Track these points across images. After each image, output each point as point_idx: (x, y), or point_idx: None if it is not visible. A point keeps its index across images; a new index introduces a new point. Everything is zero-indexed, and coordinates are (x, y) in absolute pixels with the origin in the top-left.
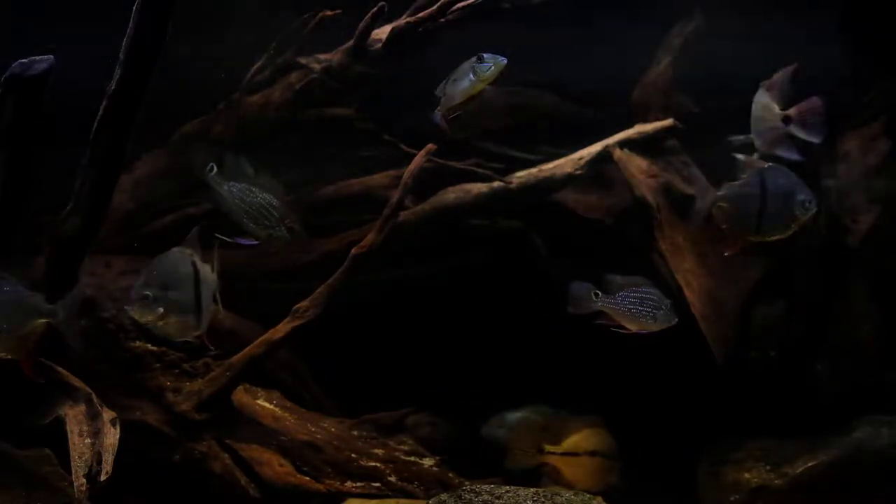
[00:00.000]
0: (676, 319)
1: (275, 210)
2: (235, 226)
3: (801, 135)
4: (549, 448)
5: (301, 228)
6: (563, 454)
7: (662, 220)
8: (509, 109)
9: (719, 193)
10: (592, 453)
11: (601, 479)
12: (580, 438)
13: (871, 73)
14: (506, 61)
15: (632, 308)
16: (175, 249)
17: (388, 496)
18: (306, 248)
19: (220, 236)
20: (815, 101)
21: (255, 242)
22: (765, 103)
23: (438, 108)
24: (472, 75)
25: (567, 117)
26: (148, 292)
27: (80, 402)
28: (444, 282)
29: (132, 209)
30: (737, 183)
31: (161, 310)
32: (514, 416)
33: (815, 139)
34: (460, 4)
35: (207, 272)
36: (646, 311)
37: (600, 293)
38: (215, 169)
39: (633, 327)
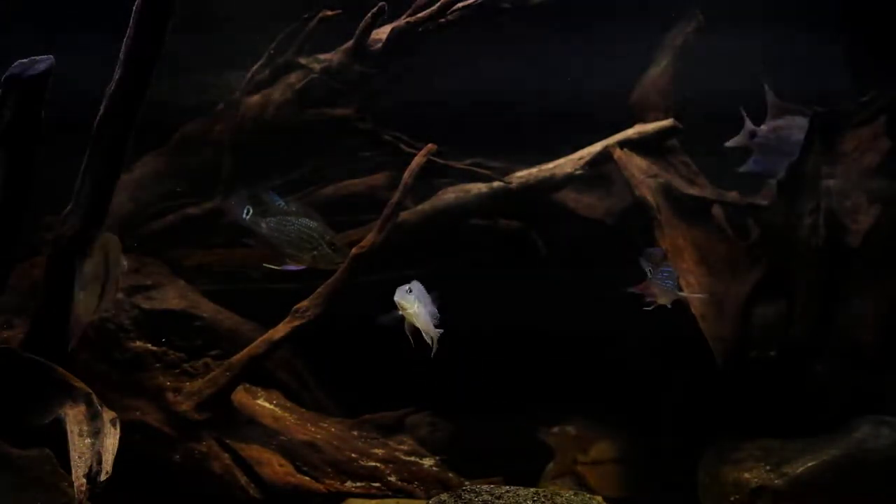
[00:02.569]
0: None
1: (313, 231)
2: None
3: (759, 156)
4: (581, 458)
5: (342, 243)
6: (591, 463)
7: (662, 220)
8: None
9: None
10: (615, 461)
11: (623, 485)
12: (604, 447)
13: (871, 73)
14: None
15: (667, 283)
16: None
17: (388, 496)
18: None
19: (267, 265)
20: (786, 121)
21: (303, 267)
22: (744, 119)
23: None
24: None
25: None
26: None
27: (80, 402)
28: (443, 281)
29: (132, 209)
30: None
31: None
32: None
33: (767, 166)
34: (460, 4)
35: None
36: (671, 285)
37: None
38: (251, 211)
39: (663, 301)
